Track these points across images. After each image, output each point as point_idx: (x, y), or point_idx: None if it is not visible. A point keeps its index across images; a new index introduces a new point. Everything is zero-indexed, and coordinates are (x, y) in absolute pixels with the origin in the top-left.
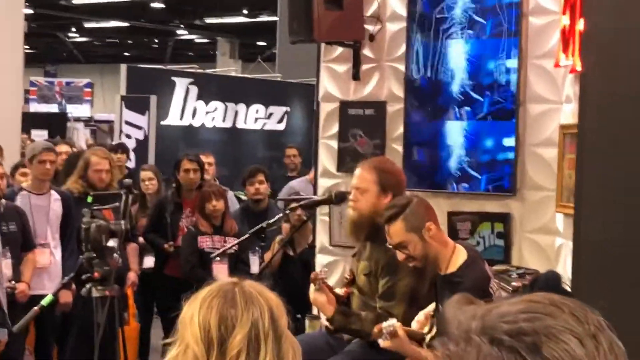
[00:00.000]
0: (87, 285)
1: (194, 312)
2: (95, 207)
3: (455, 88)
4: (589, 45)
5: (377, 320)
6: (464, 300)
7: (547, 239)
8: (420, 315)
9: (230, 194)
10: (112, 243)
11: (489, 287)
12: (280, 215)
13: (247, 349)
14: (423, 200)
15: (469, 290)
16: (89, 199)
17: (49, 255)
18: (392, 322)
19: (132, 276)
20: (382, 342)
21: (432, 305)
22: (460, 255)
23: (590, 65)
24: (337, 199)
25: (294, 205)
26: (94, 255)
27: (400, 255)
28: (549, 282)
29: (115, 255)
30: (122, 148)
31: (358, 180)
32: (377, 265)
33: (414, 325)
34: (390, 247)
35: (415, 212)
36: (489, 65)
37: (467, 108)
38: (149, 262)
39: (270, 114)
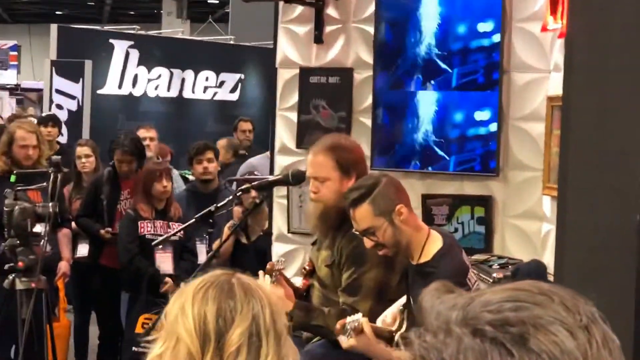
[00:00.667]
0: (10, 276)
1: (186, 303)
2: (19, 187)
3: (422, 52)
4: (575, 6)
5: (342, 316)
6: (444, 288)
7: (532, 225)
8: (388, 312)
9: (176, 174)
10: (38, 228)
11: (466, 279)
12: (231, 197)
13: (247, 344)
14: (393, 179)
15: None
16: (12, 178)
17: None
18: (356, 317)
19: (63, 266)
20: (346, 341)
21: (402, 300)
22: (435, 243)
23: (577, 29)
24: (295, 179)
25: (245, 186)
26: (18, 242)
27: (367, 242)
28: (532, 273)
29: (42, 242)
30: (52, 120)
31: (314, 169)
32: (340, 254)
33: (380, 322)
34: (357, 233)
35: (384, 194)
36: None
37: (438, 77)
38: (83, 249)
39: (222, 82)
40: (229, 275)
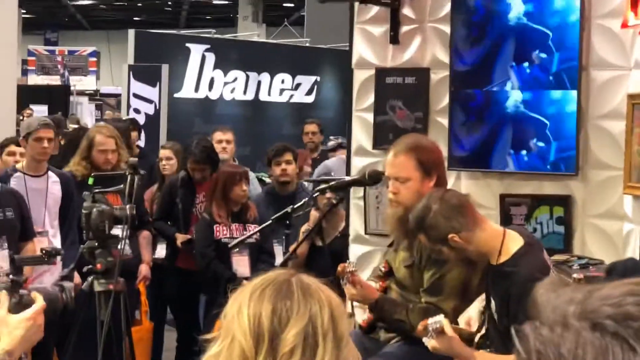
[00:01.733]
0: (89, 279)
1: (243, 303)
2: (97, 190)
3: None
4: None
5: (425, 314)
6: (559, 282)
7: (613, 225)
8: (469, 312)
9: (252, 176)
10: (116, 231)
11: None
12: (307, 198)
13: (302, 345)
14: (446, 202)
15: (524, 282)
16: (90, 181)
17: (47, 245)
18: (439, 319)
19: (144, 269)
20: (428, 341)
21: (481, 300)
22: (514, 242)
23: None
24: (371, 179)
25: (322, 186)
26: (96, 244)
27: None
28: (628, 271)
29: (120, 244)
30: (133, 124)
31: (395, 169)
32: (421, 255)
33: (462, 322)
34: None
35: (435, 225)
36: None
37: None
38: (161, 251)
39: (298, 85)
40: (289, 275)
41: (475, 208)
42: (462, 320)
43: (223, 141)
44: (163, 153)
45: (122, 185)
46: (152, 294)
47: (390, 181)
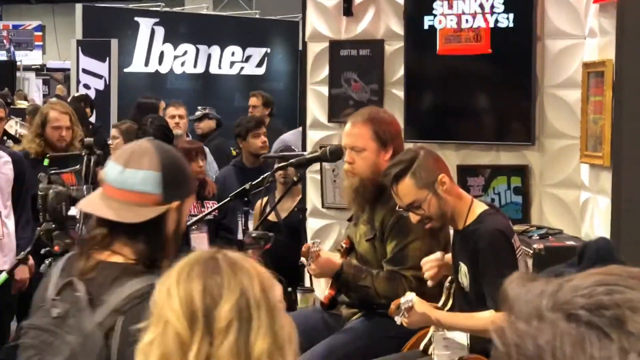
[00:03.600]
0: (47, 261)
1: (171, 286)
2: (52, 171)
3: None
4: None
5: (390, 280)
6: (527, 276)
7: (571, 194)
8: (431, 258)
9: (207, 150)
10: (73, 212)
11: (512, 239)
12: (265, 175)
13: (237, 319)
14: (430, 151)
15: (489, 236)
16: (46, 162)
17: (0, 226)
18: (410, 297)
19: None
20: (400, 319)
21: (444, 255)
22: (479, 208)
23: None
24: (333, 155)
25: (283, 164)
26: (54, 226)
27: (413, 217)
28: (601, 251)
29: (77, 225)
30: (85, 100)
31: (351, 139)
32: (382, 226)
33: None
34: (401, 209)
35: (425, 166)
36: None
37: None
38: None
39: (248, 57)
40: (213, 252)
41: None
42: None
43: (176, 116)
44: (114, 132)
45: (78, 166)
46: None
47: (346, 151)
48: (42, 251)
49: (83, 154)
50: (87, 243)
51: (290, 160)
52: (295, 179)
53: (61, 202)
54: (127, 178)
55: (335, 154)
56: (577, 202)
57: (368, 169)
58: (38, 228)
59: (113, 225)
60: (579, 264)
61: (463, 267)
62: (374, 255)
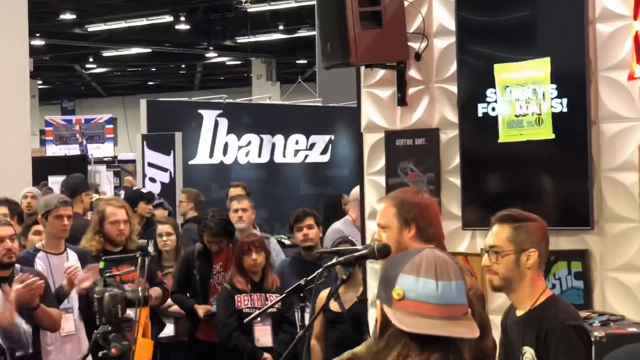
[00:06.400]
0: None
1: None
2: (108, 274)
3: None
4: None
5: None
6: None
7: (633, 278)
8: None
9: (273, 242)
10: (129, 313)
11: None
12: (320, 271)
13: None
14: (546, 230)
15: (561, 325)
16: (101, 265)
17: (73, 321)
18: None
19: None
20: None
21: None
22: (545, 294)
23: None
24: (380, 253)
25: (332, 263)
26: (110, 328)
27: (485, 260)
28: None
29: (134, 327)
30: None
31: (379, 216)
32: None
33: None
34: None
35: (530, 231)
36: None
37: None
38: (169, 329)
39: (312, 145)
40: None
41: None
42: None
43: (239, 210)
44: (162, 228)
45: (133, 267)
46: None
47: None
48: (100, 354)
49: (137, 255)
50: None
51: (339, 260)
52: (344, 277)
53: (117, 304)
54: (452, 291)
55: (382, 252)
56: (639, 286)
57: (392, 248)
58: (95, 331)
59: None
60: None
61: (529, 351)
62: None
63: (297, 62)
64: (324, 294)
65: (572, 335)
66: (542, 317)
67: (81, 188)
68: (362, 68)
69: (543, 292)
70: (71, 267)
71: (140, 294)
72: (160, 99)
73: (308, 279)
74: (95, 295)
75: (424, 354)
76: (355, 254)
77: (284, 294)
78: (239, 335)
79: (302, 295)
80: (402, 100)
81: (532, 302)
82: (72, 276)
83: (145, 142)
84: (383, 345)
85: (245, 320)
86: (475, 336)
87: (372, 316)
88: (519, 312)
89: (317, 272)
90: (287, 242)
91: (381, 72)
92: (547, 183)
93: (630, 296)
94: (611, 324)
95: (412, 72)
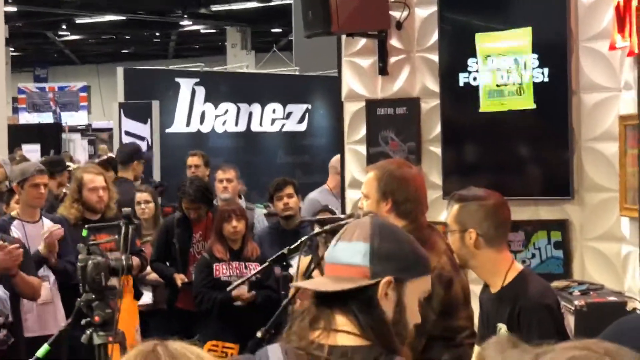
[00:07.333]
0: (88, 331)
1: None
2: (91, 242)
3: None
4: None
5: None
6: (505, 342)
7: (612, 247)
8: None
9: (259, 212)
10: (113, 282)
11: (558, 301)
12: (303, 239)
13: None
14: (502, 206)
15: (534, 304)
16: (84, 233)
17: (49, 290)
18: None
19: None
20: None
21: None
22: (515, 271)
23: None
24: None
25: (317, 231)
26: (93, 297)
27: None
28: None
29: (117, 295)
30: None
31: (363, 185)
32: None
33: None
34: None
35: (472, 211)
36: None
37: None
38: (147, 297)
39: (289, 114)
40: (153, 345)
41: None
42: None
43: (224, 180)
44: (140, 196)
45: (116, 236)
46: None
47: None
48: (83, 322)
49: (121, 223)
50: (298, 332)
51: (325, 228)
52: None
53: (100, 272)
54: (337, 251)
55: None
56: (618, 255)
57: None
58: (78, 299)
59: (320, 302)
60: None
61: (504, 328)
62: None
63: (272, 30)
64: (305, 260)
65: (544, 314)
66: (515, 295)
67: (134, 156)
68: (344, 37)
69: (510, 269)
70: (48, 231)
71: (124, 263)
72: (138, 67)
73: (291, 247)
74: (78, 264)
75: (324, 312)
76: (341, 222)
77: (267, 263)
78: (208, 292)
79: (284, 264)
80: (383, 70)
81: (501, 279)
82: (50, 239)
83: (122, 111)
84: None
85: (229, 288)
86: (323, 290)
87: None
88: (492, 290)
89: (300, 240)
90: (264, 210)
91: (362, 41)
92: (527, 153)
93: (609, 265)
94: (591, 292)
95: (394, 41)
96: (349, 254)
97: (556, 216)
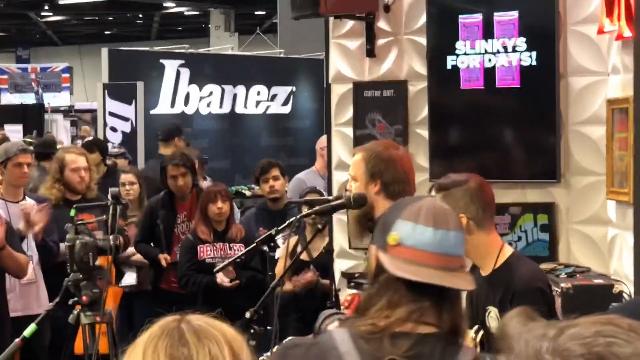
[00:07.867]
0: (75, 311)
1: None
2: (79, 222)
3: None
4: None
5: None
6: (528, 315)
7: (598, 230)
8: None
9: None
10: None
11: (549, 285)
12: (291, 220)
13: None
14: (482, 187)
15: (525, 287)
16: (72, 212)
17: (32, 269)
18: None
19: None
20: None
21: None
22: (506, 253)
23: None
24: (357, 202)
25: (307, 212)
26: (81, 276)
27: None
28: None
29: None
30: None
31: (351, 167)
32: None
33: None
34: None
35: (456, 197)
36: None
37: None
38: (130, 278)
39: (274, 96)
40: (177, 322)
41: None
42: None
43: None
44: (125, 178)
45: (104, 216)
46: (122, 321)
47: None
48: (70, 301)
49: (109, 203)
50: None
51: (315, 209)
52: (319, 226)
53: (88, 252)
54: (447, 240)
55: (358, 201)
56: (604, 239)
57: None
58: (66, 279)
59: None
60: None
61: (494, 311)
62: None
63: (256, 13)
64: (292, 241)
65: (538, 296)
66: (508, 278)
67: (175, 133)
68: (331, 19)
69: (501, 251)
70: (27, 205)
71: (112, 243)
72: (122, 48)
73: (279, 228)
74: (66, 243)
75: (416, 303)
76: (332, 203)
77: (255, 244)
78: (192, 275)
79: (272, 245)
80: (370, 52)
81: (492, 261)
82: (27, 214)
83: (106, 92)
84: (374, 291)
85: (215, 270)
86: (471, 288)
87: (338, 267)
88: (483, 272)
89: (288, 221)
90: (247, 193)
91: (350, 23)
92: (514, 136)
93: (595, 248)
94: (577, 275)
95: (381, 24)
96: (453, 244)
97: (543, 199)
